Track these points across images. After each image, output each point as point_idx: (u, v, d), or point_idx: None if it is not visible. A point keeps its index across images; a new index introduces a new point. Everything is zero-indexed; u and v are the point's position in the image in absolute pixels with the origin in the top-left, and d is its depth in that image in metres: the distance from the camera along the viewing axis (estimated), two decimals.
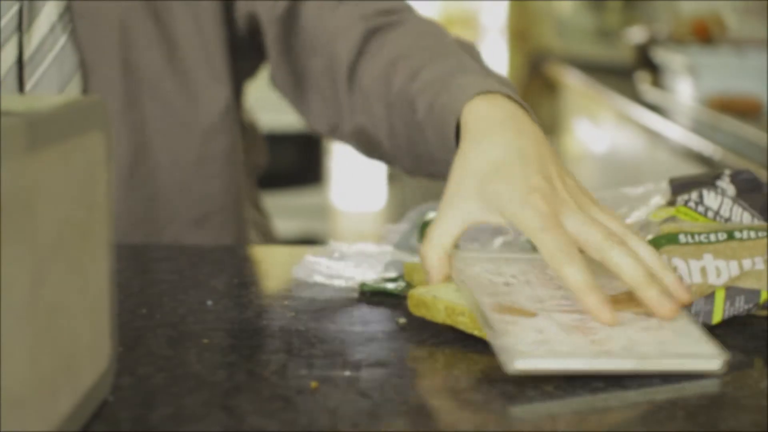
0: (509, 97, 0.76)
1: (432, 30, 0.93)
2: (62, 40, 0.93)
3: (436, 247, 0.70)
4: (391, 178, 3.50)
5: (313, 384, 0.58)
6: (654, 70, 2.37)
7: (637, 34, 2.62)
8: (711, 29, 2.32)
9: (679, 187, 0.79)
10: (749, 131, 1.65)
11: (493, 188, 0.69)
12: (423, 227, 0.84)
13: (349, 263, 0.80)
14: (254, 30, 1.03)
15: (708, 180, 0.78)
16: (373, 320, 0.70)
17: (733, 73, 1.98)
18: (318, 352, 0.64)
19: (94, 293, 0.52)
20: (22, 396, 0.44)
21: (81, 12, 0.95)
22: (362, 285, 0.76)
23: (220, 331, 0.68)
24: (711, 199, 0.76)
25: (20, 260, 0.43)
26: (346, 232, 3.83)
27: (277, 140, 2.98)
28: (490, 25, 3.88)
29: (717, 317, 0.69)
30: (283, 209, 2.89)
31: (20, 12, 0.91)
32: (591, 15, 3.24)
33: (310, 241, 3.08)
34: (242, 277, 0.86)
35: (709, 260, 0.70)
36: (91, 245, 0.51)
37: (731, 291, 0.69)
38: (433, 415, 0.55)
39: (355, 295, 0.76)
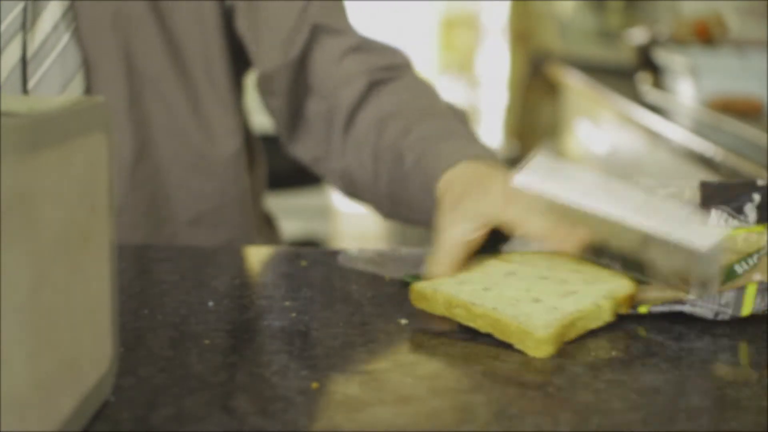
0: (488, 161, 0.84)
1: (426, 91, 1.00)
2: (65, 38, 0.93)
3: (439, 265, 0.76)
4: None
5: (314, 384, 0.58)
6: (655, 70, 2.37)
7: (638, 35, 2.62)
8: (712, 30, 2.32)
9: (713, 192, 0.79)
10: (750, 132, 1.65)
11: (465, 204, 0.78)
12: None
13: (390, 257, 0.84)
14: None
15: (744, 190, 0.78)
16: (374, 321, 0.70)
17: (734, 74, 1.98)
18: (319, 352, 0.64)
19: (95, 294, 0.52)
20: (23, 397, 0.44)
21: (84, 10, 0.95)
22: (404, 277, 0.79)
23: (221, 331, 0.68)
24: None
25: (21, 261, 0.43)
26: (347, 232, 3.83)
27: (278, 141, 2.98)
28: (492, 26, 3.88)
29: (746, 310, 0.69)
30: (285, 210, 2.89)
31: (24, 11, 0.91)
32: (592, 16, 3.24)
33: (311, 242, 3.08)
34: (243, 277, 0.86)
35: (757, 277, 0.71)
36: (92, 246, 0.51)
37: (763, 285, 0.69)
38: (435, 416, 0.55)
39: (359, 294, 0.76)
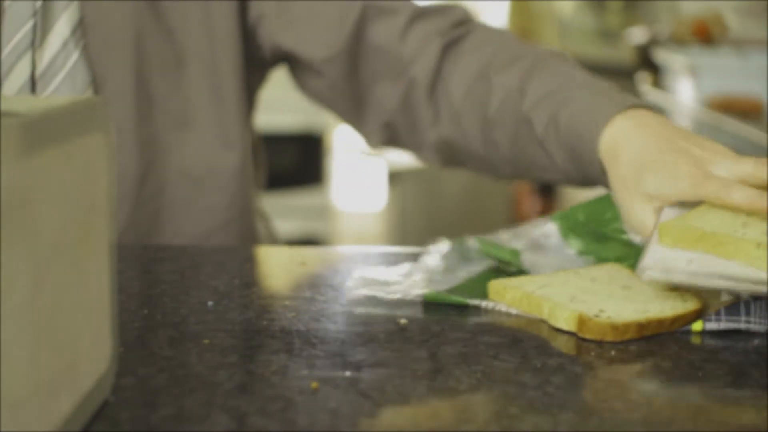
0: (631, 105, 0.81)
1: (505, 39, 0.97)
2: (74, 56, 0.92)
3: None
4: (392, 179, 3.50)
5: (314, 384, 0.58)
6: (655, 70, 2.37)
7: (637, 35, 2.62)
8: (712, 30, 2.32)
9: None
10: (750, 131, 1.65)
11: (649, 182, 0.76)
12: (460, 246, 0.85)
13: (397, 275, 0.78)
14: (282, 56, 1.03)
15: None
16: (374, 321, 0.70)
17: (734, 74, 1.98)
18: (319, 352, 0.64)
19: (94, 293, 0.52)
20: (23, 396, 0.44)
21: (94, 28, 0.94)
22: (426, 295, 0.74)
23: (221, 331, 0.68)
24: None
25: (20, 260, 0.43)
26: (346, 233, 3.83)
27: (277, 140, 2.98)
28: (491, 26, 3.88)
29: None
30: (284, 210, 2.89)
31: (33, 28, 0.91)
32: (592, 15, 3.24)
33: (310, 241, 3.08)
34: (243, 277, 0.86)
35: None
36: (91, 246, 0.51)
37: None
38: (434, 416, 0.55)
39: (357, 295, 0.76)
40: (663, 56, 2.25)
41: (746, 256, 0.67)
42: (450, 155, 1.00)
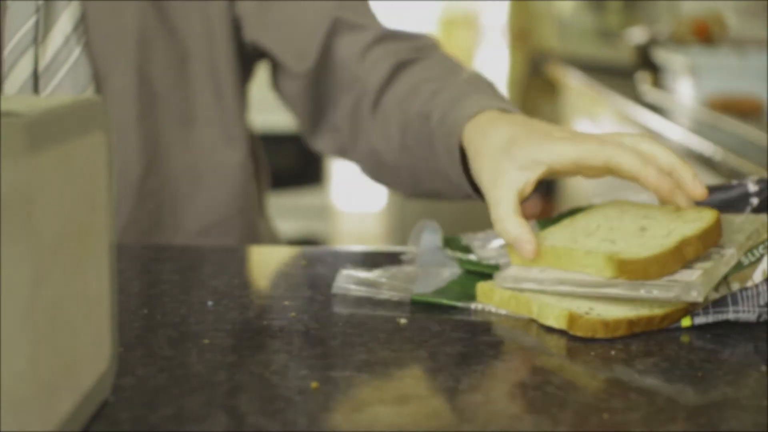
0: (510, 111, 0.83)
1: (455, 65, 0.99)
2: (76, 51, 0.93)
3: (508, 220, 0.74)
4: None
5: (314, 384, 0.58)
6: (654, 70, 2.37)
7: (637, 35, 2.62)
8: (711, 29, 2.32)
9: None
10: (750, 132, 1.65)
11: (519, 151, 0.75)
12: (449, 242, 0.85)
13: (384, 277, 0.78)
14: (263, 54, 1.06)
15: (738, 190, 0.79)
16: (374, 320, 0.70)
17: (734, 74, 1.98)
18: (318, 352, 0.64)
19: (94, 293, 0.52)
20: (22, 396, 0.44)
21: (95, 24, 0.95)
22: (414, 296, 0.74)
23: (221, 331, 0.68)
24: None
25: (20, 260, 0.43)
26: (346, 232, 3.83)
27: (278, 140, 2.98)
28: (491, 26, 3.88)
29: None
30: (284, 209, 2.89)
31: (36, 25, 0.91)
32: (591, 15, 3.24)
33: (310, 241, 3.08)
34: (243, 277, 0.86)
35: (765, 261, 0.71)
36: (91, 245, 0.51)
37: None
38: (434, 416, 0.55)
39: (357, 295, 0.76)
40: (663, 56, 2.25)
41: (578, 264, 0.71)
42: (375, 165, 1.01)
